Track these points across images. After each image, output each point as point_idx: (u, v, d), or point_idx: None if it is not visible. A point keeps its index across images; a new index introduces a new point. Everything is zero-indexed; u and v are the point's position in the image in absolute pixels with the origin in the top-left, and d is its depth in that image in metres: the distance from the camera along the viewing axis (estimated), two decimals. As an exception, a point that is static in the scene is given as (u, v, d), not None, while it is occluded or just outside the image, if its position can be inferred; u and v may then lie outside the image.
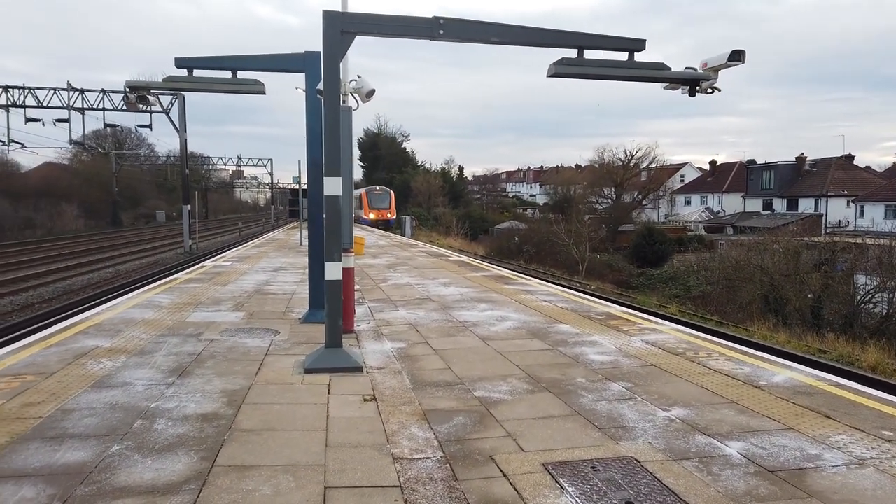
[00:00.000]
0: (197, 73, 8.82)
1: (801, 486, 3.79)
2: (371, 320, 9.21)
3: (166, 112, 35.72)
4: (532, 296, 11.68)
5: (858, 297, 20.85)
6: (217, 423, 4.86)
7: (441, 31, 6.92)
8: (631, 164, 61.74)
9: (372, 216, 50.94)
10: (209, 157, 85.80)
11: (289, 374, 6.26)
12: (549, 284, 14.17)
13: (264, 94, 9.25)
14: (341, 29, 6.54)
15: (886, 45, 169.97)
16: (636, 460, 4.20)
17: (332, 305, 6.52)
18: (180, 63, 8.73)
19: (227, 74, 8.83)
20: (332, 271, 6.46)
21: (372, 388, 5.85)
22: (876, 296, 20.40)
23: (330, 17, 6.51)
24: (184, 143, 36.37)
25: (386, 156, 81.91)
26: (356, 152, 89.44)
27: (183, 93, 31.39)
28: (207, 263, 18.07)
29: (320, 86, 7.15)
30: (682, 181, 76.18)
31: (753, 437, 4.61)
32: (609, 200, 60.45)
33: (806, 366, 7.05)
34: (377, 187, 54.79)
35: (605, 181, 61.38)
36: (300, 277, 14.10)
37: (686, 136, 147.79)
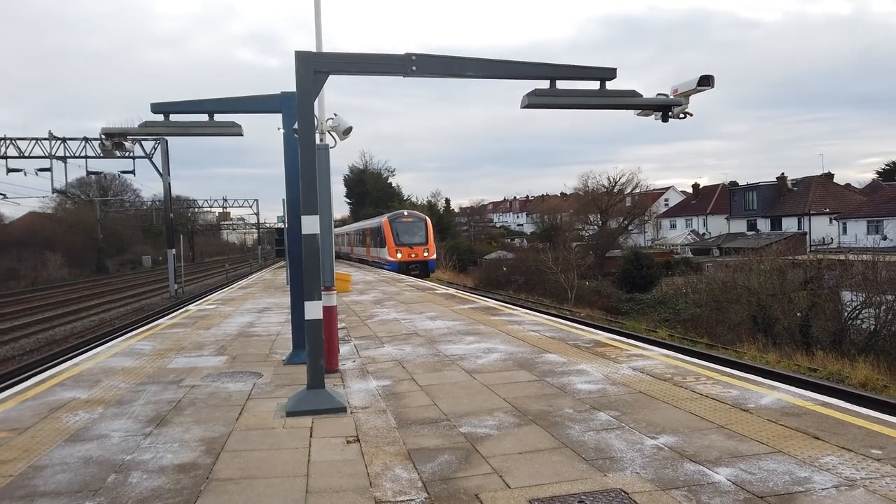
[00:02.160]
0: (174, 117, 8.85)
1: (791, 512, 3.71)
2: (356, 358, 9.09)
3: (149, 157, 35.72)
4: (519, 326, 11.61)
5: (846, 314, 20.92)
6: (194, 473, 4.71)
7: (414, 68, 6.98)
8: (615, 191, 62.32)
9: (400, 256, 34.70)
10: (195, 200, 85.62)
11: (270, 419, 6.12)
12: (537, 314, 14.10)
13: (242, 135, 9.27)
14: (314, 69, 6.58)
15: (860, 64, 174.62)
16: (624, 492, 4.11)
17: (312, 345, 6.41)
18: (156, 108, 8.74)
19: (205, 118, 8.86)
20: (312, 310, 6.37)
21: (356, 428, 5.72)
22: (863, 311, 20.48)
23: (302, 58, 6.55)
24: (167, 188, 36.32)
25: (372, 191, 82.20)
26: (342, 189, 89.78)
27: (165, 137, 31.48)
28: (192, 307, 17.86)
29: (297, 125, 7.17)
30: (666, 205, 76.89)
31: (742, 462, 4.53)
32: (595, 227, 60.81)
33: (794, 386, 7.01)
34: (405, 213, 38.60)
35: (591, 208, 61.84)
36: (285, 318, 13.93)
37: (669, 161, 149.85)
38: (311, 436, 5.56)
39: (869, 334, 19.61)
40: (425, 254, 35.68)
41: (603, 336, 10.46)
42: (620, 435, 5.25)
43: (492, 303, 16.22)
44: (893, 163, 68.94)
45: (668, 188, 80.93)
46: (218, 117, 8.84)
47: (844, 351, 17.66)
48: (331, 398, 6.34)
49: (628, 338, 11.21)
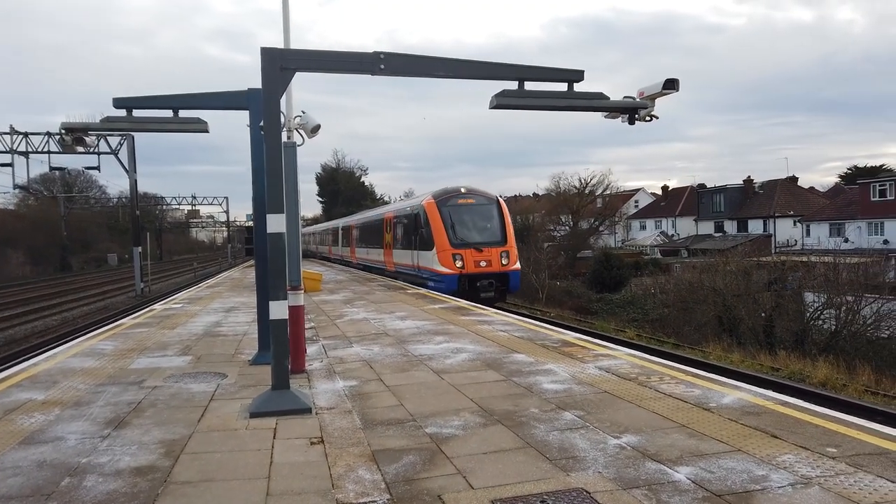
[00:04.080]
0: (137, 112, 8.67)
1: (748, 510, 3.77)
2: (324, 358, 9.01)
3: (115, 153, 35.00)
4: (489, 326, 11.63)
5: (808, 315, 21.42)
6: (152, 476, 4.61)
7: (382, 66, 6.94)
8: (586, 192, 62.85)
9: (460, 265, 20.10)
10: (163, 198, 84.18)
11: (233, 420, 6.03)
12: (507, 314, 14.15)
13: (207, 132, 9.13)
14: (280, 65, 6.49)
15: (824, 70, 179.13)
16: (586, 491, 4.13)
17: (277, 346, 6.33)
18: (119, 103, 8.55)
19: (169, 113, 8.69)
20: (277, 310, 6.29)
21: (320, 429, 5.66)
22: (824, 312, 20.99)
23: (268, 54, 6.46)
24: (134, 184, 35.63)
25: (344, 190, 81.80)
26: (313, 187, 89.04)
27: (132, 133, 30.85)
28: (157, 306, 17.53)
29: (262, 122, 7.08)
30: (636, 206, 77.88)
31: (702, 460, 4.59)
32: (567, 228, 61.27)
33: (756, 385, 7.14)
34: (461, 189, 22.15)
35: (562, 209, 62.27)
36: (253, 317, 13.71)
37: (639, 163, 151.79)
38: (274, 437, 5.48)
39: (830, 335, 20.11)
40: (504, 260, 20.25)
41: (571, 336, 10.53)
42: (584, 434, 5.29)
43: (463, 302, 16.23)
44: (855, 167, 70.84)
45: (638, 190, 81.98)
46: (183, 113, 8.69)
47: (806, 351, 18.09)
48: (296, 399, 6.26)
49: (596, 338, 11.32)
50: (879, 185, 46.33)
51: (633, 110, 8.20)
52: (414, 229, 22.36)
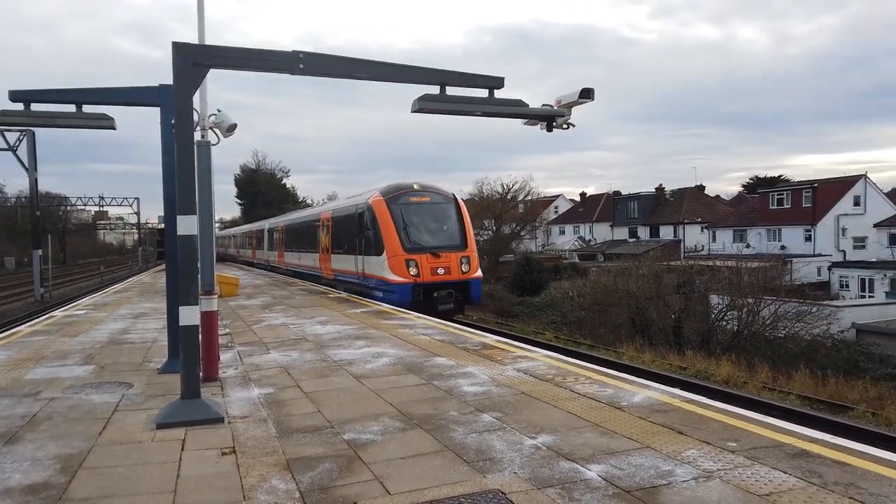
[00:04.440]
0: (36, 106, 8.13)
1: (654, 504, 3.92)
2: (239, 365, 8.71)
3: (13, 150, 32.67)
4: (411, 330, 11.61)
5: (713, 316, 22.64)
6: (45, 494, 4.30)
7: (301, 66, 6.82)
8: (508, 197, 64.01)
9: (414, 273, 17.23)
10: (67, 198, 79.39)
11: (138, 432, 5.72)
12: (429, 318, 14.17)
13: (115, 129, 8.68)
14: (193, 61, 6.25)
15: (728, 85, 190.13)
16: (502, 492, 4.17)
17: (187, 353, 6.07)
18: (15, 96, 8.01)
19: (72, 108, 8.20)
20: (187, 316, 6.03)
21: (232, 439, 5.46)
22: (727, 314, 22.25)
23: (181, 49, 6.21)
24: (34, 183, 33.37)
25: (265, 192, 79.70)
26: (232, 189, 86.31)
27: (32, 129, 28.90)
28: (58, 313, 16.47)
29: (174, 120, 6.79)
30: (556, 212, 80.00)
31: (613, 458, 4.74)
32: (490, 232, 62.17)
33: (665, 384, 7.46)
34: (414, 185, 19.32)
35: (485, 214, 63.13)
36: (164, 324, 13.13)
37: (558, 170, 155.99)
38: (182, 449, 5.24)
39: (732, 335, 21.33)
40: (464, 267, 17.70)
41: (492, 339, 10.66)
42: (502, 436, 5.35)
43: (384, 306, 16.13)
44: (756, 177, 75.58)
45: (557, 196, 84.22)
46: (89, 109, 8.22)
47: (711, 350, 19.09)
48: (207, 408, 6.02)
49: (515, 340, 11.52)
50: (777, 195, 49.70)
51: (550, 118, 8.42)
52: (358, 231, 19.32)
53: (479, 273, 18.32)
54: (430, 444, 5.19)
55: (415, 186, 18.94)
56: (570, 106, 8.00)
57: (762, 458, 4.64)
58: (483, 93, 8.16)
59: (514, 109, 7.95)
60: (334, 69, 7.16)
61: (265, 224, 40.37)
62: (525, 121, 8.83)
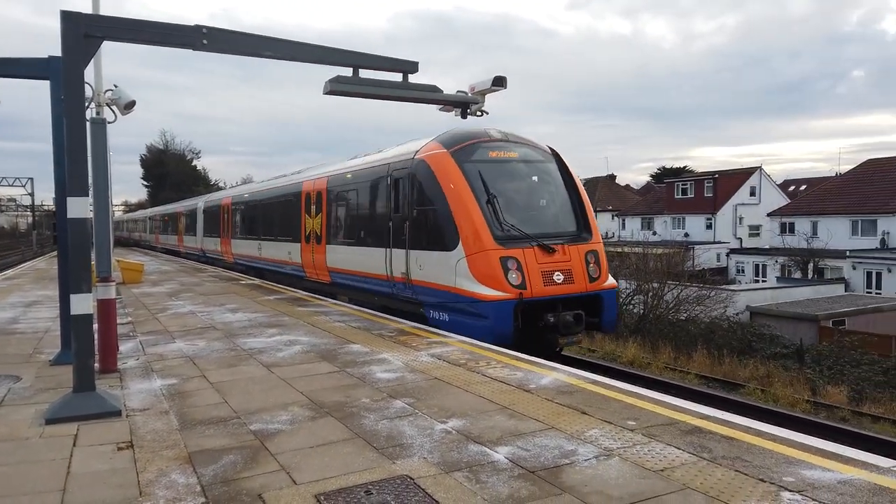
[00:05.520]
0: None
1: (556, 483, 4.04)
2: (140, 356, 8.30)
3: None
4: (326, 317, 11.44)
5: (621, 300, 23.61)
6: (-88, 500, 3.94)
7: (205, 41, 6.51)
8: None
9: (514, 277, 9.67)
10: (-52, 177, 72.69)
11: (25, 428, 5.34)
12: (345, 304, 14.01)
13: (-2, 102, 7.99)
14: (85, 32, 5.83)
15: (637, 79, 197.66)
16: (410, 478, 4.19)
17: (80, 344, 5.71)
18: None
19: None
20: (80, 304, 5.67)
21: (130, 433, 5.20)
22: (634, 298, 23.27)
23: (70, 19, 5.77)
24: None
25: (173, 173, 76.15)
26: (138, 170, 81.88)
27: None
28: (-63, 302, 15.11)
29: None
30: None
31: (520, 440, 4.86)
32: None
33: (572, 366, 7.71)
34: (491, 132, 11.27)
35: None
36: (58, 312, 12.35)
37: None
38: (74, 445, 4.94)
39: (639, 318, 22.34)
40: (593, 269, 10.59)
41: (408, 325, 10.66)
42: (413, 421, 5.37)
43: (300, 293, 15.82)
44: (663, 168, 79.18)
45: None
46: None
47: (619, 333, 19.92)
48: (102, 401, 5.69)
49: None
50: (682, 185, 52.30)
51: (465, 104, 8.47)
52: (393, 207, 11.81)
53: (612, 280, 10.99)
54: (340, 433, 5.13)
55: (492, 133, 11.28)
56: (483, 93, 8.07)
57: (658, 436, 4.88)
58: (397, 77, 8.08)
59: (428, 95, 7.93)
60: (241, 46, 6.87)
61: (199, 202, 31.40)
62: (440, 107, 8.85)
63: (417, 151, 11.30)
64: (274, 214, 19.40)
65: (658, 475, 4.13)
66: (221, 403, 6.04)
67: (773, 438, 4.80)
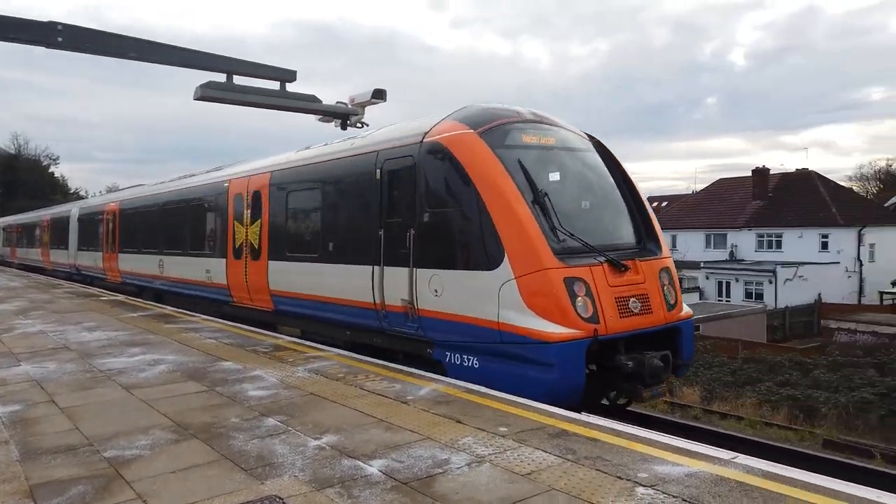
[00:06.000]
0: None
1: (429, 493, 4.07)
2: (-23, 381, 7.45)
3: None
4: (197, 334, 10.85)
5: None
6: None
7: (60, 39, 6.03)
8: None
9: (582, 307, 7.09)
10: None
11: None
12: (219, 320, 13.37)
13: None
14: None
15: (521, 96, 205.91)
16: (279, 498, 4.05)
17: None
18: None
19: None
20: None
21: (-41, 468, 4.64)
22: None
23: None
24: None
25: (27, 181, 69.49)
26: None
27: None
28: None
29: None
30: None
31: (395, 452, 4.85)
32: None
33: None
34: (520, 110, 8.71)
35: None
36: None
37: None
38: None
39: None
40: (669, 294, 8.09)
41: (285, 340, 10.35)
42: (285, 439, 5.20)
43: (168, 309, 14.90)
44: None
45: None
46: None
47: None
48: (-75, 434, 4.98)
49: (309, 340, 11.29)
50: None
51: (344, 116, 8.42)
52: (394, 210, 8.86)
53: (687, 308, 8.60)
54: (205, 455, 4.87)
55: (523, 113, 8.75)
56: (363, 105, 8.07)
57: (528, 440, 5.06)
58: (274, 85, 7.91)
59: (307, 104, 7.82)
60: (101, 46, 6.42)
61: (72, 208, 27.15)
62: (319, 117, 8.74)
63: (426, 133, 8.42)
64: (183, 222, 15.75)
65: (526, 478, 4.28)
66: (72, 430, 5.55)
67: (632, 438, 5.12)
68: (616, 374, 7.36)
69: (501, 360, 7.29)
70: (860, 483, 4.29)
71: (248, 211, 12.26)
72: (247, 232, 12.36)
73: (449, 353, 7.94)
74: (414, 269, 8.21)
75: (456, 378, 7.42)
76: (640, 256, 7.96)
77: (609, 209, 8.55)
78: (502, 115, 8.42)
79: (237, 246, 12.86)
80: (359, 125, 8.53)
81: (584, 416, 5.74)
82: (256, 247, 12.02)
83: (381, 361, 8.48)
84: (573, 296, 7.04)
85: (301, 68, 7.54)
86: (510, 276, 7.16)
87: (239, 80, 7.72)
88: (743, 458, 4.58)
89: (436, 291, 7.91)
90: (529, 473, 4.36)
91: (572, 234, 7.54)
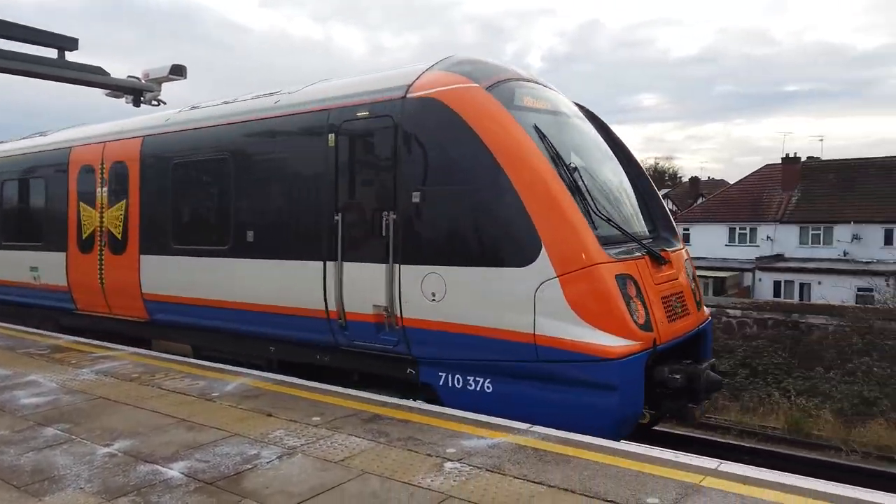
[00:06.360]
0: None
1: (237, 491, 3.91)
2: None
3: None
4: (-50, 338, 9.26)
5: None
6: None
7: None
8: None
9: (637, 313, 5.64)
10: None
11: None
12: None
13: None
14: None
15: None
16: (62, 514, 3.63)
17: None
18: None
19: None
20: None
21: None
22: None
23: None
24: None
25: None
26: None
27: None
28: None
29: None
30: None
31: (199, 452, 4.57)
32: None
33: (258, 369, 7.48)
34: (516, 72, 6.91)
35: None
36: None
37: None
38: None
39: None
40: (695, 290, 7.09)
41: (66, 340, 9.23)
42: (68, 449, 4.66)
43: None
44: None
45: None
46: None
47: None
48: None
49: (95, 339, 10.14)
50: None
51: (138, 91, 7.69)
52: (356, 189, 6.84)
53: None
54: (-35, 475, 4.20)
55: (517, 70, 7.14)
56: (159, 81, 7.44)
57: (341, 428, 5.06)
58: (52, 53, 6.99)
59: (92, 77, 7.02)
60: None
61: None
62: (108, 92, 7.89)
63: (410, 87, 6.40)
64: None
65: (339, 465, 4.28)
66: None
67: (440, 416, 5.36)
68: (660, 390, 5.90)
69: (534, 381, 5.67)
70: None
71: (104, 189, 9.31)
72: (102, 217, 9.47)
73: (444, 374, 6.19)
74: (396, 265, 6.27)
75: (459, 408, 5.67)
76: (666, 246, 6.75)
77: (624, 191, 7.15)
78: (500, 70, 6.77)
79: (85, 236, 9.83)
80: (154, 103, 7.84)
81: (396, 399, 5.87)
82: (119, 237, 9.19)
83: (181, 358, 7.91)
84: (627, 298, 5.59)
85: (85, 37, 6.73)
86: (551, 274, 5.52)
87: (6, 44, 6.72)
88: (538, 428, 5.00)
89: (433, 295, 6.06)
90: (343, 460, 4.37)
91: (609, 220, 6.08)
